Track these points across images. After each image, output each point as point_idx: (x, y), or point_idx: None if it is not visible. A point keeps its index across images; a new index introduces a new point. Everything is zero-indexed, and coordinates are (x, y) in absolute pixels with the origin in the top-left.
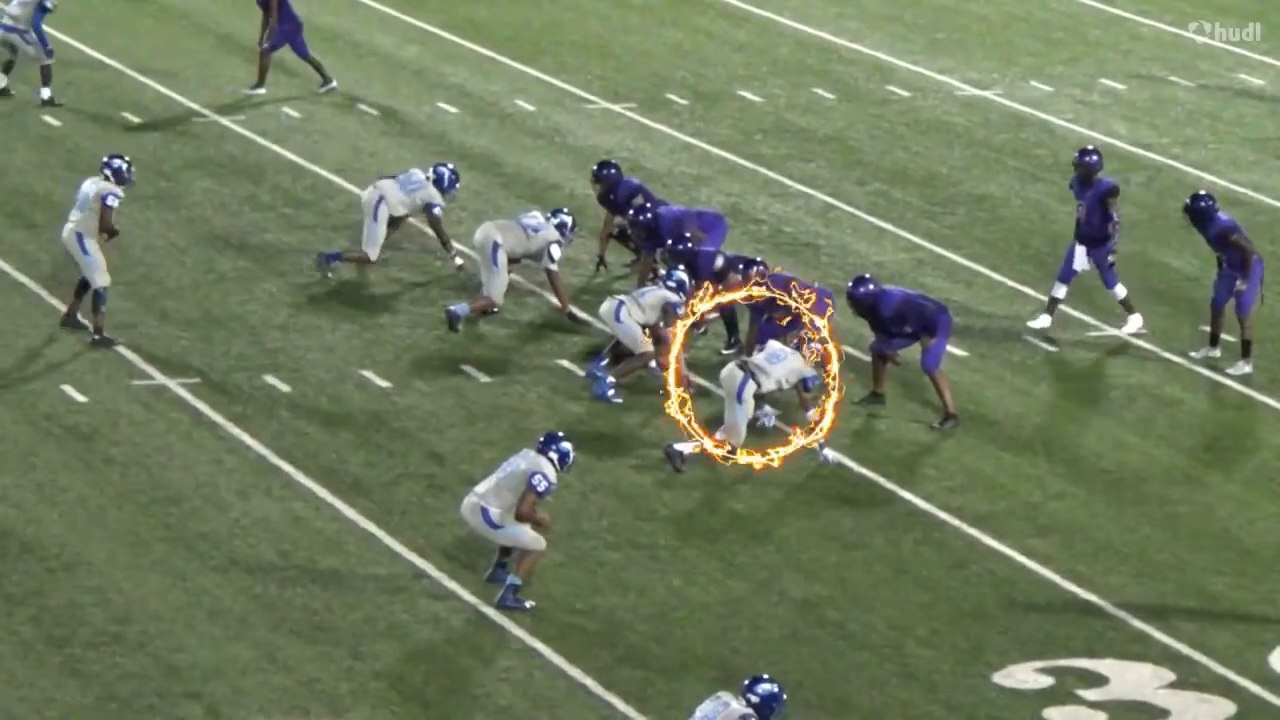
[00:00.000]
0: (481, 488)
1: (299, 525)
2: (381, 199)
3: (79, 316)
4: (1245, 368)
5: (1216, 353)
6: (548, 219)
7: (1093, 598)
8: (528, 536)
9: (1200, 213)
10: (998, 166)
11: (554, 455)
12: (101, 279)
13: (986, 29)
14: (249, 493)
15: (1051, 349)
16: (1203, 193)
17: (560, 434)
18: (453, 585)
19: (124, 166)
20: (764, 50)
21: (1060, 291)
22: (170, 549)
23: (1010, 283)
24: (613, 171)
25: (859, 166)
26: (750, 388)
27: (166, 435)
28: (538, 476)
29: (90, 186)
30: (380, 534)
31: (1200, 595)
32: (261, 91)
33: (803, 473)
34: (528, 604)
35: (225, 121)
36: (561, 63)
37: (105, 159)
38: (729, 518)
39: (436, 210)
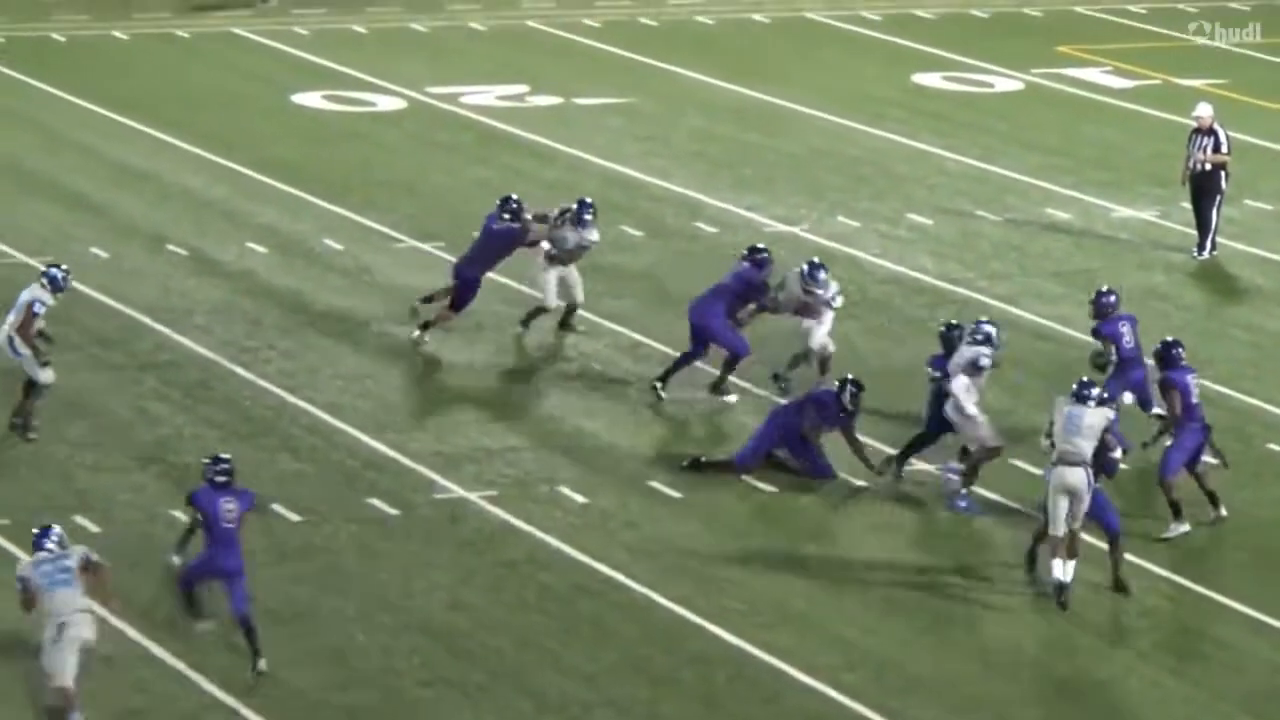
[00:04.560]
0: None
1: (110, 666)
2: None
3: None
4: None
5: None
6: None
7: None
8: None
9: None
10: None
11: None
12: (45, 376)
13: (792, 165)
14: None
15: (860, 484)
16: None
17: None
18: None
19: (59, 275)
20: (572, 187)
21: None
22: None
23: None
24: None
25: (669, 303)
26: None
27: None
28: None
29: (25, 293)
30: (191, 674)
31: None
32: None
33: (613, 610)
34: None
35: (34, 262)
36: (369, 201)
37: (44, 267)
38: (539, 654)
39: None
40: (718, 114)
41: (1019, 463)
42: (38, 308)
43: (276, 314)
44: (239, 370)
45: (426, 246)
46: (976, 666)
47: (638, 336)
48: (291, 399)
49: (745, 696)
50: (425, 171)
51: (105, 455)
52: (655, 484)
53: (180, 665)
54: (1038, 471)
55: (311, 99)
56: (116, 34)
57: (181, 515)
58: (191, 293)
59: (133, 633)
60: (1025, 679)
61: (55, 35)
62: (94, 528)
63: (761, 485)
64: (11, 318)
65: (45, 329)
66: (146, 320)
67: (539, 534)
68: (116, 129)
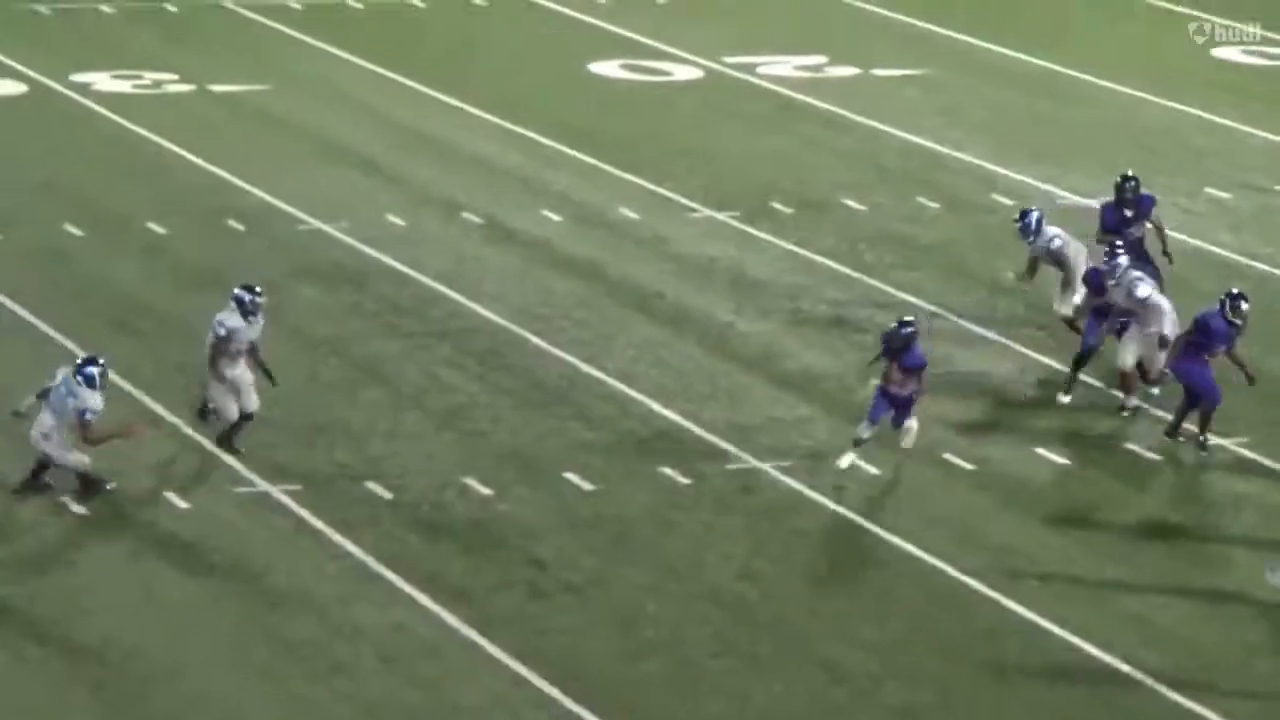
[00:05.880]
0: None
1: (400, 632)
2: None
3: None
4: None
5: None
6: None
7: (1201, 710)
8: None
9: None
10: None
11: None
12: (229, 409)
13: (1088, 137)
14: (350, 600)
15: (1154, 458)
16: None
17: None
18: (555, 693)
19: (246, 297)
20: (868, 158)
21: None
22: (271, 655)
23: (1117, 392)
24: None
25: (963, 275)
26: None
27: (268, 542)
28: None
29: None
30: (482, 641)
31: None
32: None
33: (904, 581)
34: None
35: (329, 229)
36: (664, 171)
37: (238, 290)
38: (829, 624)
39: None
40: (1014, 85)
41: None
42: (219, 329)
43: (570, 282)
44: (532, 338)
45: (722, 216)
46: (1273, 644)
47: (932, 308)
48: (585, 367)
49: (1038, 671)
50: (721, 141)
51: (398, 422)
52: (948, 455)
53: (472, 634)
54: None
55: (608, 68)
56: (414, 1)
57: (474, 482)
58: (485, 260)
59: (425, 600)
60: None
61: (352, 3)
62: (386, 494)
63: (1055, 457)
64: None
65: (253, 354)
66: (440, 288)
67: (831, 505)
68: (412, 96)
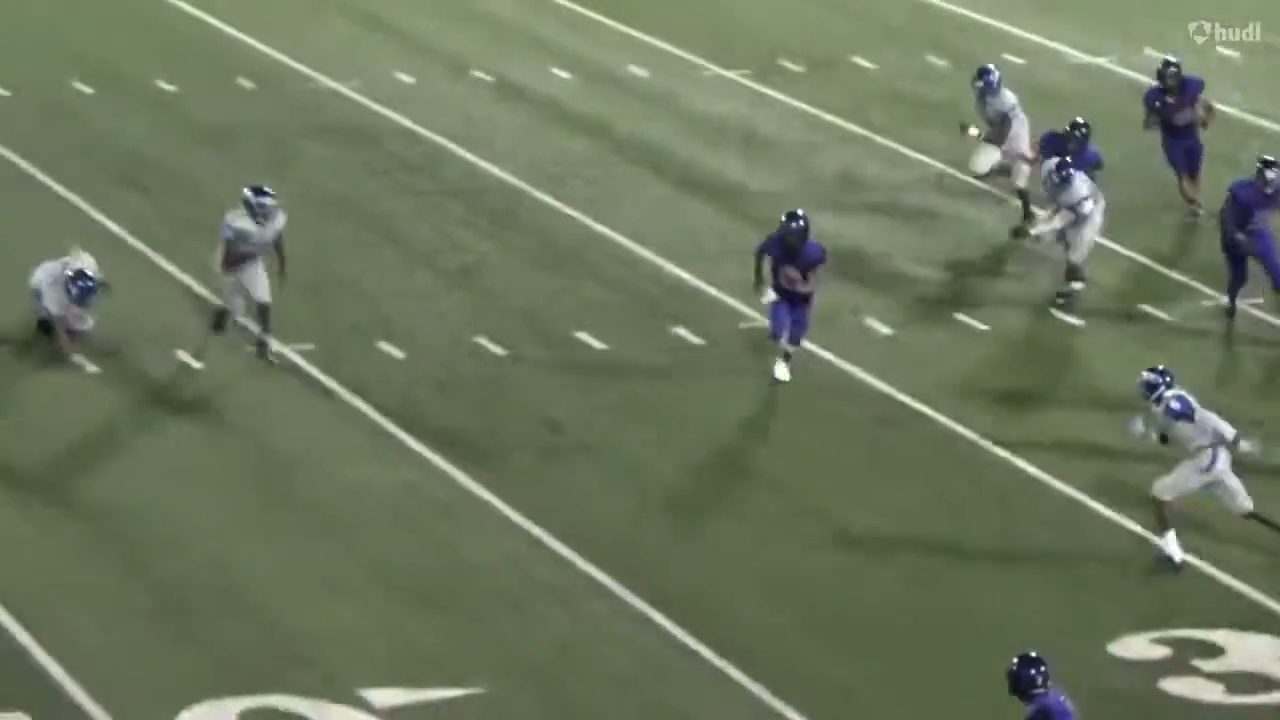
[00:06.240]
0: None
1: (412, 492)
2: None
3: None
4: None
5: None
6: None
7: (1208, 568)
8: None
9: None
10: (1110, 135)
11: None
12: (234, 304)
13: None
14: (362, 459)
15: (1167, 319)
16: None
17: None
18: (567, 553)
19: (253, 198)
20: (878, 18)
21: None
22: (283, 515)
23: (1129, 253)
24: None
25: None
26: None
27: (280, 401)
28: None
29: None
30: (495, 501)
31: None
32: None
33: (917, 442)
34: None
35: (340, 88)
36: (674, 29)
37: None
38: (842, 486)
39: None
40: None
41: None
42: (225, 231)
43: (581, 141)
44: (544, 197)
45: (731, 74)
46: (1272, 505)
47: (941, 166)
48: (596, 226)
49: (1049, 531)
50: (731, 0)
51: (410, 282)
52: (960, 316)
53: (485, 493)
54: None
55: None
56: None
57: (486, 342)
58: (495, 118)
59: (437, 460)
60: None
61: None
62: (399, 354)
63: (1070, 319)
64: None
65: (277, 249)
66: (451, 146)
67: (843, 364)
68: None
